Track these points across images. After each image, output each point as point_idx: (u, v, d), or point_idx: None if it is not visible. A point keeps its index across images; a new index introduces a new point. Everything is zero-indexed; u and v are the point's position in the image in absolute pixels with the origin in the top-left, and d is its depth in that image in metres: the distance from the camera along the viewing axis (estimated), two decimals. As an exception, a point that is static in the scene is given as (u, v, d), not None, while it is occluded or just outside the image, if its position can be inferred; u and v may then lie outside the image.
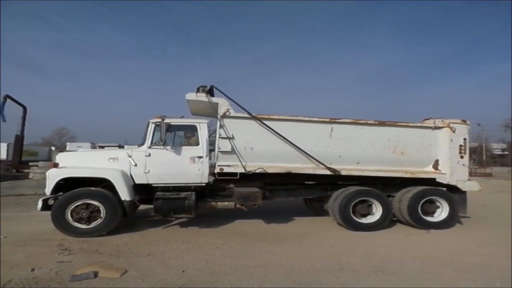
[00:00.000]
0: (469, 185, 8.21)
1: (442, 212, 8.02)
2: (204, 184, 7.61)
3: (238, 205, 7.72)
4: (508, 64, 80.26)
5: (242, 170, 7.61)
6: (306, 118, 7.85)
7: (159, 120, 7.21)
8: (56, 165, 7.23)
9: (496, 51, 79.49)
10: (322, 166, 7.84)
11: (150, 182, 7.40)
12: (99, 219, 6.88)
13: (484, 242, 6.74)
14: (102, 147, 26.22)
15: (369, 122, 7.99)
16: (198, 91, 7.69)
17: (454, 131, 8.06)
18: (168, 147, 7.40)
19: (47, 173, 6.98)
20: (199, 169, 7.47)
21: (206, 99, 7.60)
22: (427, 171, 8.23)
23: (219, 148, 7.57)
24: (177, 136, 8.17)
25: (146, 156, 7.33)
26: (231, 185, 8.04)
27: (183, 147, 7.58)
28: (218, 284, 4.45)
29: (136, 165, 7.28)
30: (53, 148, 43.62)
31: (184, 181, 7.50)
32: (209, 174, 7.65)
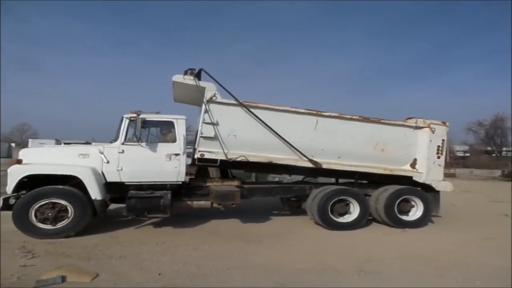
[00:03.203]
0: (443, 185, 8.40)
1: (416, 211, 8.14)
2: (180, 183, 7.32)
3: (215, 205, 7.51)
4: (471, 71, 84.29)
5: (223, 157, 7.41)
6: (293, 109, 7.75)
7: (134, 115, 6.85)
8: (19, 162, 6.70)
9: (459, 59, 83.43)
10: (305, 158, 7.75)
11: (123, 180, 7.02)
12: (66, 219, 6.44)
13: (458, 240, 6.88)
14: (68, 144, 24.99)
15: (354, 117, 7.98)
16: (186, 73, 7.37)
17: (433, 132, 8.20)
18: (143, 144, 7.06)
19: (8, 170, 6.44)
20: (175, 167, 7.18)
21: (194, 82, 7.31)
22: (404, 169, 8.33)
23: (201, 134, 7.33)
24: (152, 132, 7.85)
25: (119, 152, 6.95)
26: (208, 184, 7.81)
27: (159, 144, 7.26)
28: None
29: (108, 162, 6.89)
30: (13, 144, 41.28)
31: (159, 179, 7.18)
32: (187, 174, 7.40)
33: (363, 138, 8.05)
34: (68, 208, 6.44)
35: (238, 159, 7.49)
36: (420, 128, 8.25)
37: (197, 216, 8.51)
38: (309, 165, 7.81)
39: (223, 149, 7.40)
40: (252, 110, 7.49)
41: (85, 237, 6.51)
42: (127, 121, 7.02)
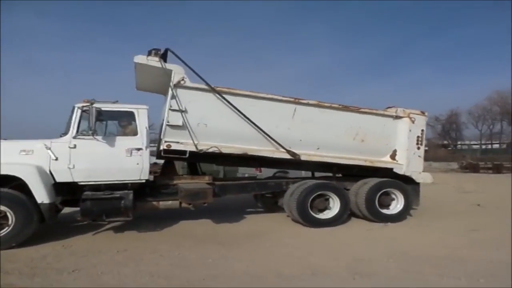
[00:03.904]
0: (423, 177, 8.12)
1: (397, 204, 7.81)
2: (143, 181, 6.46)
3: (184, 204, 6.73)
4: (432, 67, 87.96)
5: (193, 149, 6.65)
6: (269, 96, 7.11)
7: (87, 104, 5.91)
8: None
9: (421, 54, 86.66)
10: (282, 150, 7.17)
11: (76, 180, 6.06)
12: (6, 228, 5.43)
13: (443, 234, 6.56)
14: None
15: (333, 105, 7.47)
16: (150, 54, 6.47)
17: (413, 122, 7.88)
18: (99, 137, 6.14)
19: None
20: (137, 163, 6.31)
21: (159, 64, 6.45)
22: (385, 161, 7.97)
23: (168, 122, 6.53)
24: (110, 125, 6.94)
25: (71, 148, 5.98)
26: (176, 182, 7.02)
27: (118, 138, 6.37)
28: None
29: (57, 159, 5.90)
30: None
31: (119, 178, 6.28)
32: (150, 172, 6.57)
33: (343, 128, 7.59)
34: (8, 214, 5.44)
35: (210, 150, 6.76)
36: (400, 117, 7.91)
37: (163, 217, 7.67)
38: (287, 156, 7.23)
39: (192, 139, 6.64)
40: (225, 96, 6.77)
41: (31, 248, 5.52)
42: (79, 111, 6.07)
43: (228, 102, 6.78)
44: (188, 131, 6.63)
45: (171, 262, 4.88)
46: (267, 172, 14.52)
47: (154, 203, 6.77)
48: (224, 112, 6.83)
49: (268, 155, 7.22)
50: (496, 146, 51.42)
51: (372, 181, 7.68)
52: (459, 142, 55.04)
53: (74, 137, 6.01)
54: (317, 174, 8.75)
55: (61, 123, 6.60)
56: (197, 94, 6.70)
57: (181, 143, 6.64)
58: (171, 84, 6.49)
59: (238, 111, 6.84)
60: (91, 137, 5.97)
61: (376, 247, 5.61)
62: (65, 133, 6.12)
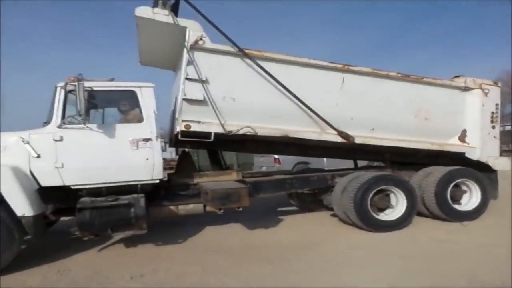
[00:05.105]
0: (501, 163, 6.54)
1: (472, 198, 6.27)
2: (157, 181, 4.93)
3: (209, 208, 5.22)
4: (425, 53, 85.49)
5: (219, 130, 5.14)
6: (313, 61, 5.52)
7: (73, 82, 4.32)
8: None
9: (419, 38, 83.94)
10: (331, 131, 5.62)
11: (67, 183, 4.52)
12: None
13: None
14: None
15: (390, 74, 5.88)
16: (156, 5, 4.87)
17: (486, 95, 6.30)
18: (93, 126, 4.60)
19: None
20: (147, 159, 4.76)
21: (169, 19, 4.87)
22: (454, 144, 6.41)
23: (184, 95, 4.98)
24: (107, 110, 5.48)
25: (56, 141, 4.43)
26: (197, 180, 5.49)
27: (118, 126, 4.83)
28: None
29: (39, 156, 4.36)
30: None
31: (125, 178, 4.74)
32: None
33: (402, 103, 6.03)
34: (-24, 235, 3.93)
35: (241, 132, 5.22)
36: (470, 89, 6.32)
37: (179, 223, 6.18)
38: (337, 139, 5.70)
39: (218, 118, 5.11)
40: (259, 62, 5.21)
41: (15, 275, 4.11)
42: (63, 92, 4.51)
43: (263, 69, 5.19)
44: (212, 107, 5.07)
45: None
46: (285, 164, 13.11)
47: (172, 208, 5.28)
48: (257, 82, 5.29)
49: (314, 138, 5.67)
50: (508, 128, 49.84)
51: (439, 171, 6.14)
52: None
53: (60, 127, 4.46)
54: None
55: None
56: (220, 59, 5.13)
57: (204, 123, 5.09)
58: (186, 44, 4.90)
59: (277, 81, 5.26)
60: (81, 125, 4.41)
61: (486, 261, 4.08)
62: (48, 122, 4.56)
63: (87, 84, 4.45)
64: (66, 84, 4.42)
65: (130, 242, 5.30)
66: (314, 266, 4.15)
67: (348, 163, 7.69)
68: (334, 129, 5.61)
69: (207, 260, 4.45)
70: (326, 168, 8.07)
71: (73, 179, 4.52)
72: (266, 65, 5.25)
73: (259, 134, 5.32)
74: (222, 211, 4.97)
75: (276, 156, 13.03)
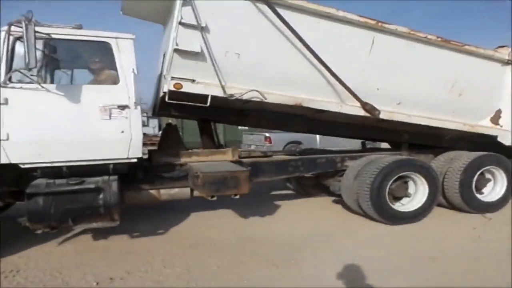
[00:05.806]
0: None
1: (496, 187, 5.55)
2: (135, 160, 3.91)
3: (197, 193, 4.29)
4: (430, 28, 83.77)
5: (219, 93, 4.06)
6: (341, 14, 4.31)
7: (21, 24, 3.15)
8: None
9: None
10: (356, 103, 4.63)
11: (14, 161, 3.45)
12: None
13: None
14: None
15: (429, 36, 4.77)
16: None
17: None
18: (51, 86, 3.51)
19: None
20: (122, 131, 3.71)
21: None
22: (485, 126, 5.54)
23: (176, 45, 3.78)
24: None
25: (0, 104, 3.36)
26: (185, 159, 4.51)
27: (84, 87, 3.69)
28: None
29: (-27, 124, 3.30)
30: None
31: (93, 156, 3.68)
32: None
33: (436, 74, 5.03)
34: None
35: (246, 97, 4.14)
36: (510, 63, 5.40)
37: (158, 207, 5.25)
38: (359, 113, 4.72)
39: (218, 77, 3.99)
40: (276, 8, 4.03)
41: None
42: (7, 37, 3.29)
43: (283, 19, 4.02)
44: (212, 62, 3.93)
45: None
46: (276, 144, 12.12)
47: (153, 192, 4.29)
48: (270, 36, 4.14)
49: (332, 110, 4.66)
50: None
51: (464, 156, 5.35)
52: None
53: (4, 85, 3.33)
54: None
55: None
56: (226, 2, 3.93)
57: (199, 83, 3.97)
58: None
59: (297, 36, 4.12)
60: (35, 84, 3.34)
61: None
62: (-12, 79, 3.44)
63: (42, 29, 3.34)
64: (10, 26, 3.25)
65: (99, 233, 4.25)
66: (327, 270, 3.32)
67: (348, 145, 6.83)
68: (359, 100, 4.60)
69: (194, 259, 3.56)
70: (341, 149, 7.15)
71: (22, 155, 3.41)
72: (282, 14, 4.06)
73: (268, 100, 4.27)
74: (215, 198, 4.05)
75: (267, 134, 12.10)
